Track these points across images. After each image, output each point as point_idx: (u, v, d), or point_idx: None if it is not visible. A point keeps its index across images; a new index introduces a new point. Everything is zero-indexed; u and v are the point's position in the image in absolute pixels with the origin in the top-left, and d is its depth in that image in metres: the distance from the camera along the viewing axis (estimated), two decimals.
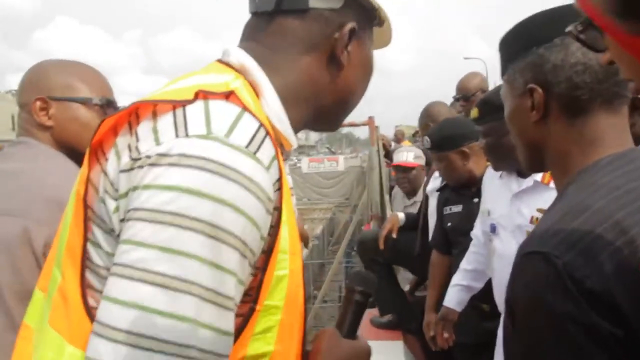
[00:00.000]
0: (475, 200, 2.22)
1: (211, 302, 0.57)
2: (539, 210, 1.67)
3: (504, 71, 0.88)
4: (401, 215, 2.99)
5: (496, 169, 1.88)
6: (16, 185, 1.13)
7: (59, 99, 1.24)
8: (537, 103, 0.81)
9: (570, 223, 0.68)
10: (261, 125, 0.64)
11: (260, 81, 0.72)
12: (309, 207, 13.78)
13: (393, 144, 6.39)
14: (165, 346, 0.55)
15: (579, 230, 0.67)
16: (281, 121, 0.72)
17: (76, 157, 1.20)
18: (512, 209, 1.75)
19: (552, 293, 0.65)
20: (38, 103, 1.23)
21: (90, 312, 0.62)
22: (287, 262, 0.66)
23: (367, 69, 0.82)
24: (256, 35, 0.76)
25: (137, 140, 0.62)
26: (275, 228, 0.64)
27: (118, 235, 0.60)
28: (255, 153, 0.61)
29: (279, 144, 0.71)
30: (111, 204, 0.62)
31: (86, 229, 0.64)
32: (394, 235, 2.88)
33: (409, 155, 3.72)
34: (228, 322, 0.59)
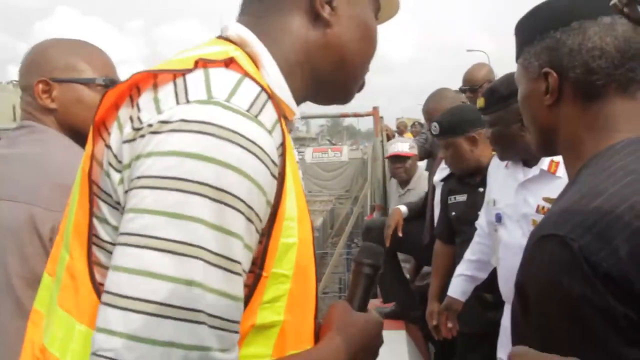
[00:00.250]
0: (480, 189, 2.22)
1: (218, 267, 0.56)
2: (545, 199, 1.66)
3: (519, 54, 0.87)
4: (403, 209, 2.98)
5: (502, 158, 1.87)
6: (21, 171, 1.12)
7: (62, 81, 1.22)
8: (551, 87, 0.80)
9: (586, 207, 0.68)
10: (262, 89, 0.63)
11: (259, 52, 0.71)
12: (309, 199, 13.72)
13: (396, 135, 6.38)
14: (173, 311, 0.54)
15: (595, 213, 0.66)
16: (282, 89, 0.72)
17: (81, 139, 1.17)
18: (518, 198, 1.75)
19: (568, 276, 0.64)
20: (40, 85, 1.21)
21: (98, 289, 0.61)
22: (296, 230, 0.65)
23: (363, 30, 0.79)
24: (249, 8, 0.77)
25: (139, 110, 0.62)
26: (279, 193, 0.63)
27: (124, 208, 0.60)
28: (257, 116, 0.60)
29: (282, 114, 0.70)
30: (115, 176, 0.62)
31: (92, 204, 0.64)
32: (400, 234, 2.88)
33: (404, 145, 3.87)
34: (236, 286, 0.59)
